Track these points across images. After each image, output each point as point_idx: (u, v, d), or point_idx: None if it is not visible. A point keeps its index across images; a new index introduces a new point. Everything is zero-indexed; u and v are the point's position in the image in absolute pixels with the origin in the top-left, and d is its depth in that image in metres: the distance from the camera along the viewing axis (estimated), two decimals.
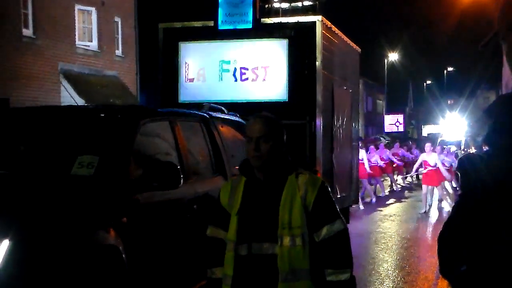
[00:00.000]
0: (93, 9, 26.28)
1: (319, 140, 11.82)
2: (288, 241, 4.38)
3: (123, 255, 6.61)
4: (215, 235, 4.72)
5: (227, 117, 10.04)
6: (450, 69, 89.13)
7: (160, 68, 12.79)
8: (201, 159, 9.05)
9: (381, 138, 36.52)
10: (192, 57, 12.35)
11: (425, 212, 22.05)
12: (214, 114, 9.73)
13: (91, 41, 26.69)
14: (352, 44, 14.27)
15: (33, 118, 8.71)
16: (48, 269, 5.73)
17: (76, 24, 26.37)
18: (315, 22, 11.83)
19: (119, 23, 29.04)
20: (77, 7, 26.00)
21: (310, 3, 13.00)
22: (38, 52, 23.87)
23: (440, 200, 24.03)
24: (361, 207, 22.69)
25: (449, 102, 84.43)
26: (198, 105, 10.19)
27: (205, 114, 9.39)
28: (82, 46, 26.26)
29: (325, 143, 12.11)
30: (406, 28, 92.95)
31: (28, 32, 23.71)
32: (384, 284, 11.44)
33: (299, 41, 11.82)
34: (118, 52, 29.03)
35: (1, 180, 6.95)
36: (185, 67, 12.35)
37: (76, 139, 7.77)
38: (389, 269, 12.80)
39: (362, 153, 24.49)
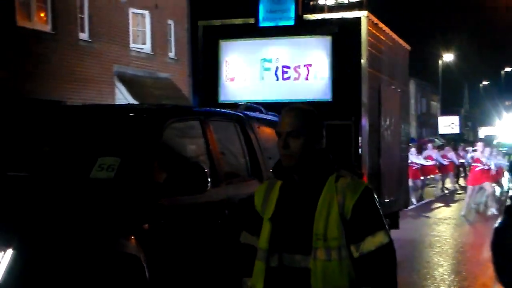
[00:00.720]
0: (146, 12, 26.02)
1: (364, 141, 11.01)
2: (322, 254, 3.70)
3: (144, 265, 5.91)
4: (249, 242, 4.16)
5: (265, 117, 9.25)
6: (507, 69, 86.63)
7: (200, 67, 12.16)
8: (234, 162, 8.30)
9: (435, 139, 35.23)
10: (232, 56, 11.68)
11: (464, 214, 21.28)
12: (251, 114, 8.94)
13: (145, 44, 26.45)
14: (401, 41, 13.41)
15: (59, 118, 8.14)
16: (57, 280, 5.18)
17: (130, 27, 26.33)
18: (360, 18, 11.02)
19: (172, 25, 28.65)
20: (131, 10, 25.94)
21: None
22: (93, 55, 23.93)
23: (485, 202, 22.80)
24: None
25: (506, 103, 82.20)
26: (236, 105, 9.41)
27: (240, 114, 8.62)
28: (136, 49, 26.16)
29: (372, 145, 11.31)
30: (462, 28, 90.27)
31: (84, 36, 23.81)
32: (440, 286, 11.10)
33: (344, 38, 11.03)
34: (171, 54, 28.68)
35: (18, 184, 6.46)
36: (225, 65, 11.69)
37: (100, 139, 7.23)
38: (445, 273, 12.31)
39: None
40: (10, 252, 4.91)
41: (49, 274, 5.08)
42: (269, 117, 9.49)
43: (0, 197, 5.93)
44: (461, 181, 33.83)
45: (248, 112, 9.00)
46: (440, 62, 57.82)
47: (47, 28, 22.18)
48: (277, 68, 11.30)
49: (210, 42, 11.74)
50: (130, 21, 26.40)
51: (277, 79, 11.34)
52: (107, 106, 9.88)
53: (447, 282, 11.44)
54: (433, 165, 27.37)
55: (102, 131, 7.27)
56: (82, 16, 23.71)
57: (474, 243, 16.43)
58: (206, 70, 11.93)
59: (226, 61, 11.66)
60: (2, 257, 4.89)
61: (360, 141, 10.95)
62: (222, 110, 8.72)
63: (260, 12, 11.30)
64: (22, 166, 7.04)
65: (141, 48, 26.55)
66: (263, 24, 11.31)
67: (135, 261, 5.75)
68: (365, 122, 10.98)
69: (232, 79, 11.60)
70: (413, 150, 25.56)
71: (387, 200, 12.03)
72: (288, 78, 11.25)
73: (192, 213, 6.84)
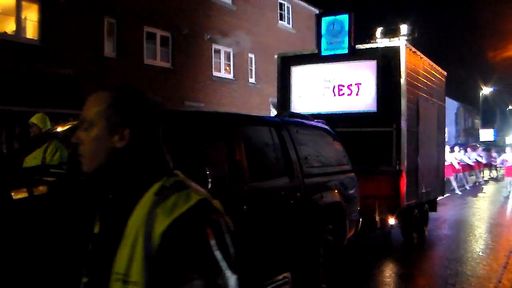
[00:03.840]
0: None
1: (403, 144, 7.72)
2: None
3: None
4: None
5: (307, 123, 5.87)
6: None
7: (278, 88, 8.97)
8: (265, 161, 4.95)
9: (477, 145, 29.70)
10: (300, 78, 8.57)
11: (507, 196, 17.73)
12: (289, 119, 5.60)
13: None
14: (437, 67, 9.86)
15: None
16: None
17: None
18: (399, 46, 7.82)
19: None
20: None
21: (406, 37, 8.45)
22: (257, 91, 21.87)
23: None
24: (458, 192, 18.27)
25: None
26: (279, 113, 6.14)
27: (277, 120, 5.27)
28: None
29: (411, 147, 8.02)
30: (498, 66, 76.89)
31: (252, 80, 21.89)
32: (479, 241, 9.37)
33: (386, 62, 7.91)
34: None
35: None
36: (295, 86, 8.41)
37: None
38: (481, 232, 10.44)
39: (459, 155, 19.21)
40: None
41: None
42: (312, 123, 6.09)
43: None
44: (494, 173, 28.16)
45: (287, 118, 5.63)
46: (480, 93, 49.95)
47: (230, 76, 20.57)
48: (334, 86, 8.23)
49: (284, 68, 8.71)
50: None
51: (334, 95, 8.26)
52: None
53: (483, 238, 9.71)
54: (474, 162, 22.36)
55: None
56: (251, 68, 21.89)
57: (502, 214, 13.78)
58: (281, 90, 8.94)
59: (295, 83, 8.44)
60: None
61: (400, 144, 7.38)
62: (259, 115, 5.42)
63: (322, 44, 8.22)
64: None
65: None
66: (324, 53, 8.23)
67: None
68: (404, 129, 7.74)
69: (300, 96, 8.42)
70: (462, 151, 20.92)
71: (424, 191, 8.42)
72: (343, 94, 8.15)
73: None
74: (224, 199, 4.21)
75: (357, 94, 7.85)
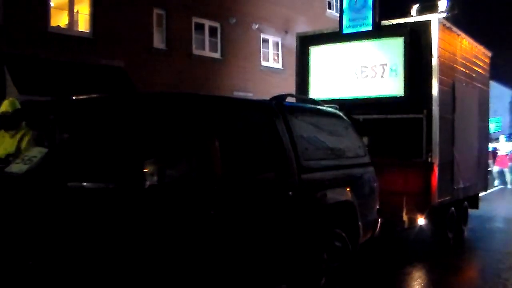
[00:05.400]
0: None
1: (435, 133, 6.24)
2: None
3: None
4: None
5: (311, 108, 4.64)
6: None
7: (296, 71, 7.71)
8: (247, 154, 3.81)
9: None
10: (320, 59, 7.33)
11: None
12: (288, 104, 4.41)
13: None
14: (480, 47, 8.14)
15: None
16: None
17: None
18: (429, 21, 6.31)
19: None
20: None
21: (444, 14, 6.82)
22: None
23: None
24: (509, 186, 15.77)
25: None
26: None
27: (268, 104, 4.10)
28: None
29: (444, 136, 6.49)
30: None
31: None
32: None
33: (416, 39, 6.41)
34: None
35: None
36: (314, 68, 7.25)
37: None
38: None
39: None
40: None
41: None
42: (319, 108, 4.88)
43: None
44: None
45: (287, 102, 4.44)
46: None
47: (279, 65, 18.94)
48: (356, 68, 6.83)
49: (303, 49, 7.40)
50: None
51: (357, 78, 6.84)
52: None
53: None
54: None
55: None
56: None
57: None
58: (300, 74, 7.64)
59: (314, 65, 7.24)
60: None
61: (431, 132, 5.92)
62: (243, 98, 4.22)
63: (344, 21, 6.86)
64: None
65: None
66: (346, 31, 6.88)
67: None
68: (436, 115, 6.23)
69: (319, 79, 7.12)
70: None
71: (461, 186, 6.83)
72: (366, 76, 6.74)
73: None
74: (181, 202, 3.07)
75: (382, 76, 6.38)
